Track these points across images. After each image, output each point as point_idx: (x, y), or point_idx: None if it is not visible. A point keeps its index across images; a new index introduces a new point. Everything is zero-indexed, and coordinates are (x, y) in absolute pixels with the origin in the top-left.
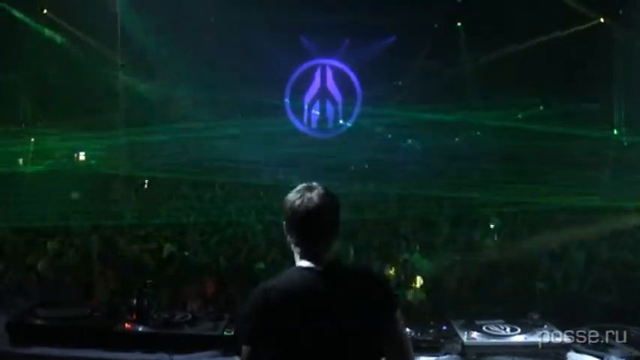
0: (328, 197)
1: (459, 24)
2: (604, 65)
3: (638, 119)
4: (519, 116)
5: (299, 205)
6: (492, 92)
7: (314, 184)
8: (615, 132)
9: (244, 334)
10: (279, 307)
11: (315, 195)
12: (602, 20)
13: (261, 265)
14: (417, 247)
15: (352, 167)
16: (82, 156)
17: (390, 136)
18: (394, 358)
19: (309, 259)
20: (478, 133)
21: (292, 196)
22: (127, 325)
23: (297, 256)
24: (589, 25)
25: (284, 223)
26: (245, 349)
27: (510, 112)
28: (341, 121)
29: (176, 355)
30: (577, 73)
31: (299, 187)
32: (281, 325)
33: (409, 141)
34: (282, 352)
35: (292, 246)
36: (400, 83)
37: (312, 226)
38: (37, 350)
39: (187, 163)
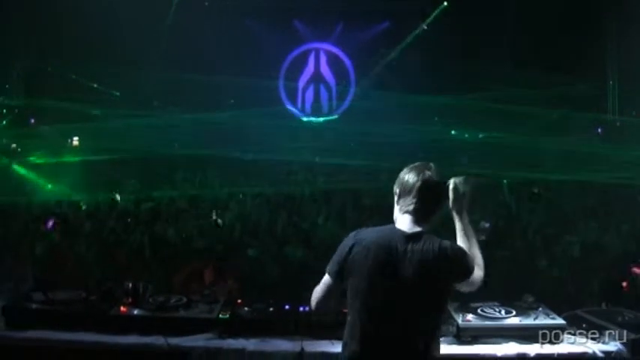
0: (440, 177)
1: (445, 3)
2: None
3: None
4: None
5: (416, 179)
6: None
7: (431, 164)
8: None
9: (330, 266)
10: (362, 252)
11: (432, 174)
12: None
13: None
14: None
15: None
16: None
17: None
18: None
19: (404, 224)
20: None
21: (410, 170)
22: (122, 308)
23: (398, 217)
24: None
25: (396, 190)
26: (326, 277)
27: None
28: (334, 105)
29: (171, 338)
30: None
31: (417, 163)
32: (353, 265)
33: None
34: (352, 286)
35: (399, 211)
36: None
37: (425, 197)
38: (33, 334)
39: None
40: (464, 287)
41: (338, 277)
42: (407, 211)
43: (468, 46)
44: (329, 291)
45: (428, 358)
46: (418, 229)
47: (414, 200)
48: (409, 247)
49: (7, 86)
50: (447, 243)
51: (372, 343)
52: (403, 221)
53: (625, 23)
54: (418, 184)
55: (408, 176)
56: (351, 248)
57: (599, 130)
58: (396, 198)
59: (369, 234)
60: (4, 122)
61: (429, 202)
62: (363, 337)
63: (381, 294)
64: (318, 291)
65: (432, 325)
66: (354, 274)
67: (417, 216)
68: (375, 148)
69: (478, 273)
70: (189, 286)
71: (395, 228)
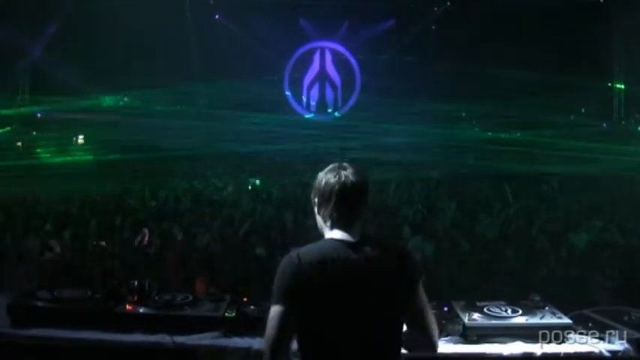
0: (360, 175)
1: (448, 3)
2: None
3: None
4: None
5: (334, 182)
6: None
7: (345, 163)
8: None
9: (274, 294)
10: (310, 272)
11: (348, 173)
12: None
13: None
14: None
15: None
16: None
17: None
18: (415, 328)
19: (339, 233)
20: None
21: (326, 174)
22: (128, 306)
23: (327, 230)
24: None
25: (314, 199)
26: (274, 308)
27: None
28: (339, 104)
29: (177, 336)
30: (578, 51)
31: (331, 166)
32: (309, 288)
33: None
34: (309, 314)
35: (322, 221)
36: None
37: (345, 201)
38: (38, 332)
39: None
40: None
41: (291, 302)
42: (335, 219)
43: (475, 49)
44: (284, 325)
45: None
46: (356, 236)
47: (338, 206)
48: (360, 255)
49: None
50: (391, 243)
51: None
52: (336, 231)
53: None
54: (337, 187)
55: (326, 181)
56: (297, 271)
57: (604, 125)
58: (315, 208)
59: (310, 252)
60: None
61: (353, 204)
62: None
63: (336, 311)
64: (270, 332)
65: (396, 338)
66: (310, 300)
67: (349, 221)
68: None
69: (435, 338)
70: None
71: (334, 240)
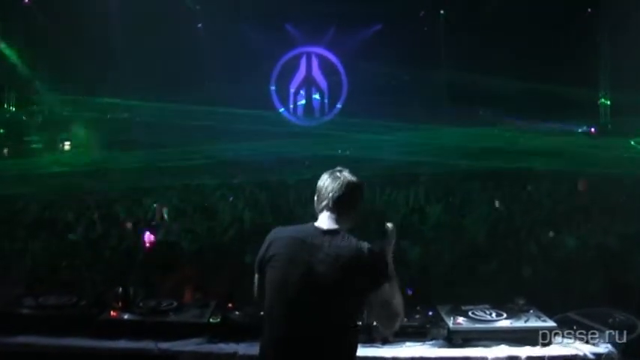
0: (354, 178)
1: (441, 11)
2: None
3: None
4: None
5: (334, 181)
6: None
7: (345, 168)
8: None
9: (255, 263)
10: (278, 246)
11: (344, 174)
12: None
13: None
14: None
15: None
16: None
17: None
18: (376, 316)
19: (322, 222)
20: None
21: (328, 175)
22: (113, 313)
23: (318, 219)
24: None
25: (315, 197)
26: (255, 276)
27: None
28: (326, 109)
29: (162, 343)
30: (564, 60)
31: (332, 169)
32: (271, 258)
33: None
34: (267, 280)
35: (317, 213)
36: None
37: (339, 197)
38: (23, 339)
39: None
40: (382, 321)
41: (260, 269)
42: (322, 210)
43: (462, 54)
44: (258, 286)
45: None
46: (335, 226)
47: (329, 200)
48: (325, 242)
49: None
50: (364, 244)
51: (283, 344)
52: (321, 219)
53: (618, 29)
54: (332, 185)
55: (323, 180)
56: (269, 245)
57: (592, 129)
58: (315, 204)
59: (286, 230)
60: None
61: (341, 200)
62: (274, 337)
63: (293, 287)
64: (255, 292)
65: (345, 324)
66: (269, 269)
67: (333, 214)
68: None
69: (398, 307)
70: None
71: (312, 225)
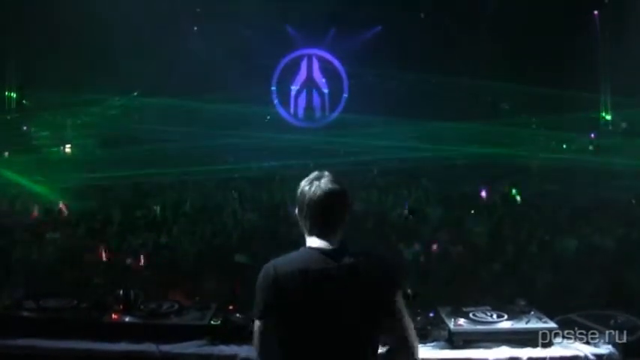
0: (337, 184)
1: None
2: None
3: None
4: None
5: (312, 192)
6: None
7: (325, 172)
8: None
9: (255, 309)
10: (285, 284)
11: (325, 182)
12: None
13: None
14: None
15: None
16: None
17: None
18: (393, 338)
19: (316, 242)
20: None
21: (304, 184)
22: (114, 315)
23: (307, 238)
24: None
25: (296, 210)
26: (256, 322)
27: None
28: (327, 111)
29: (163, 345)
30: (565, 61)
31: (310, 175)
32: (284, 302)
33: None
34: (290, 326)
35: (304, 230)
36: None
37: (323, 210)
38: (23, 342)
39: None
40: (401, 353)
41: (269, 316)
42: (312, 228)
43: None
44: (269, 338)
45: None
46: (334, 243)
47: (315, 214)
48: (333, 267)
49: None
50: (371, 255)
51: None
52: (313, 240)
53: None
54: (312, 196)
55: (302, 191)
56: (274, 282)
57: (592, 135)
58: (299, 219)
59: (288, 262)
60: None
61: (328, 213)
62: None
63: (316, 321)
64: (255, 343)
65: (371, 348)
66: (288, 309)
67: (324, 230)
68: None
69: (414, 339)
70: None
71: (310, 249)
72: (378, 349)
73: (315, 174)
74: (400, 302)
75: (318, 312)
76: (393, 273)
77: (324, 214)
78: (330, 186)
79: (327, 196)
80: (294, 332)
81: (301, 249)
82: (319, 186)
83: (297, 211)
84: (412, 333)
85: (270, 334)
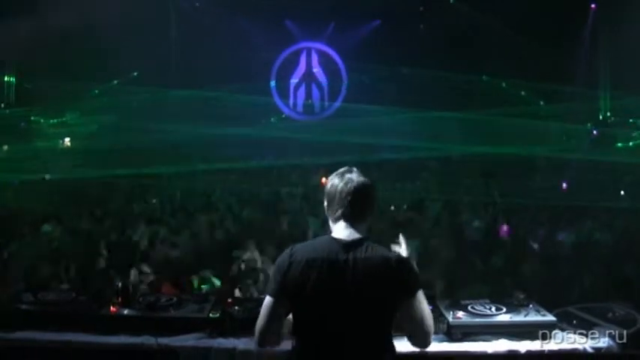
0: (366, 180)
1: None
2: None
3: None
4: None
5: (344, 183)
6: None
7: (353, 168)
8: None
9: (268, 285)
10: (298, 269)
11: (355, 175)
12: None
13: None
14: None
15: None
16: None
17: None
18: (412, 332)
19: (340, 232)
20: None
21: (334, 177)
22: (112, 308)
23: (333, 227)
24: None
25: (324, 200)
26: (267, 297)
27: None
28: (326, 105)
29: (162, 338)
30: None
31: (340, 170)
32: (295, 284)
33: None
34: (296, 308)
35: (329, 219)
36: None
37: (354, 200)
38: (22, 335)
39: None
40: (419, 337)
41: (281, 295)
42: (338, 218)
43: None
44: (273, 314)
45: None
46: (356, 235)
47: (342, 205)
48: (350, 256)
49: None
50: (392, 253)
51: None
52: (338, 229)
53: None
54: (343, 188)
55: (332, 183)
56: (289, 266)
57: (595, 132)
58: (326, 210)
59: (305, 249)
60: None
61: (357, 205)
62: None
63: (328, 311)
64: (261, 319)
65: (382, 340)
66: (297, 295)
67: (350, 221)
68: None
69: (431, 321)
70: None
71: (332, 238)
72: (383, 342)
73: (344, 168)
74: (417, 302)
75: (322, 300)
76: (407, 274)
77: (356, 204)
78: (361, 179)
79: (359, 187)
80: (301, 314)
81: (324, 237)
82: (351, 179)
83: (325, 202)
84: (429, 330)
85: (275, 311)
